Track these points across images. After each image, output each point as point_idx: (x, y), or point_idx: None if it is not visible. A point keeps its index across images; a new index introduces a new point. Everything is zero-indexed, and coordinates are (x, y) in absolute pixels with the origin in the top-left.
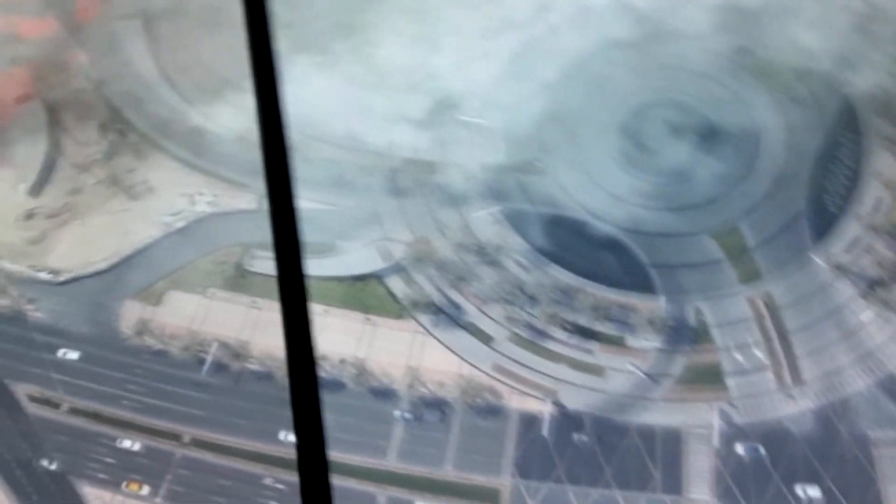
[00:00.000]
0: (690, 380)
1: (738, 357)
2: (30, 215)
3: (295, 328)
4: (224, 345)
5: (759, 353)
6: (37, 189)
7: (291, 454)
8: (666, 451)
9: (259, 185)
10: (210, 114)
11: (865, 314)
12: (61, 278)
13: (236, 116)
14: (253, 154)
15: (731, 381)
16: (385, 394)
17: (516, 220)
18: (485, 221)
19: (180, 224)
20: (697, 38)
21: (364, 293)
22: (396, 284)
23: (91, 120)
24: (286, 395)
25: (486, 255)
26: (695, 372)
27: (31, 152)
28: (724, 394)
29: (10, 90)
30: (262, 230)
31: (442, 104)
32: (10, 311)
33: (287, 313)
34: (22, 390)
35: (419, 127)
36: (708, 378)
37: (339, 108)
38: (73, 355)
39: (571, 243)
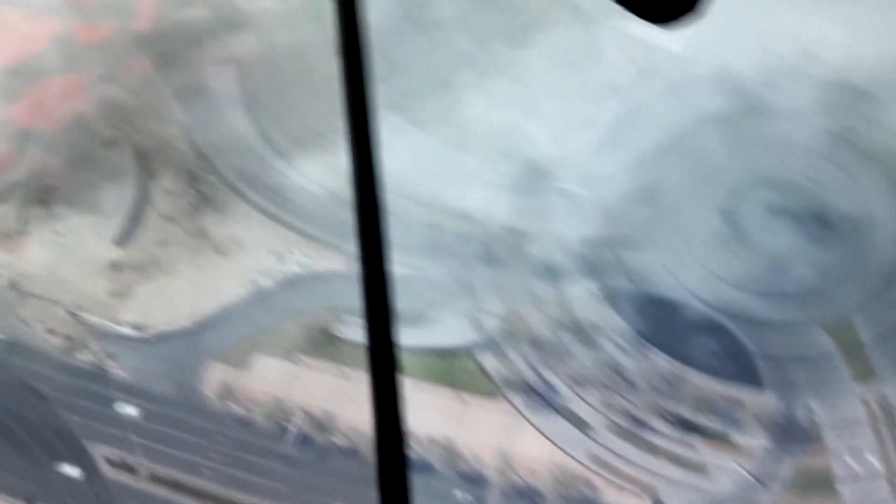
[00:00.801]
0: (801, 485)
1: (851, 462)
2: (115, 266)
3: (384, 403)
4: (309, 415)
5: (873, 459)
6: (123, 238)
7: None
8: None
9: (349, 246)
10: (301, 168)
11: None
12: (145, 334)
13: (328, 172)
14: (344, 213)
15: (843, 489)
16: (474, 479)
17: (614, 298)
18: (581, 297)
19: (268, 283)
20: (803, 114)
21: (454, 368)
22: (488, 360)
23: (180, 168)
24: (372, 473)
25: (583, 333)
26: (805, 476)
27: (118, 199)
28: (835, 503)
29: (99, 131)
30: (352, 294)
31: (538, 170)
32: (91, 366)
33: (376, 386)
34: (99, 452)
35: (515, 193)
36: (819, 484)
37: (431, 169)
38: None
39: (672, 326)
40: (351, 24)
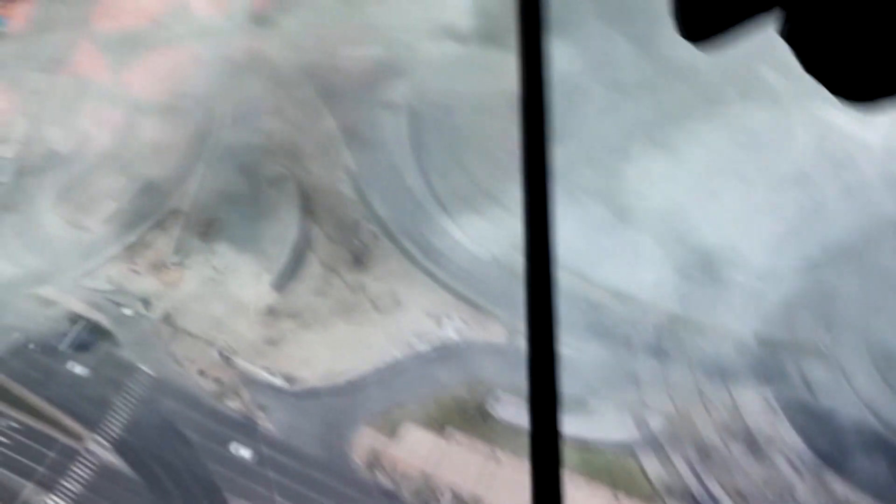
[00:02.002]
0: None
1: None
2: (271, 311)
3: (544, 496)
4: (458, 497)
5: None
6: (281, 283)
7: None
8: None
9: (510, 316)
10: (467, 229)
11: None
12: (296, 388)
13: (495, 235)
14: (508, 281)
15: None
16: None
17: (792, 410)
18: (755, 404)
19: (424, 348)
20: None
21: (614, 465)
22: (650, 462)
23: (345, 215)
24: None
25: (755, 445)
26: None
27: (279, 240)
28: None
29: (265, 166)
30: (510, 370)
31: (712, 256)
32: (240, 416)
33: (537, 477)
34: None
35: (685, 278)
36: None
37: (596, 243)
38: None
39: (855, 450)
40: (535, 83)
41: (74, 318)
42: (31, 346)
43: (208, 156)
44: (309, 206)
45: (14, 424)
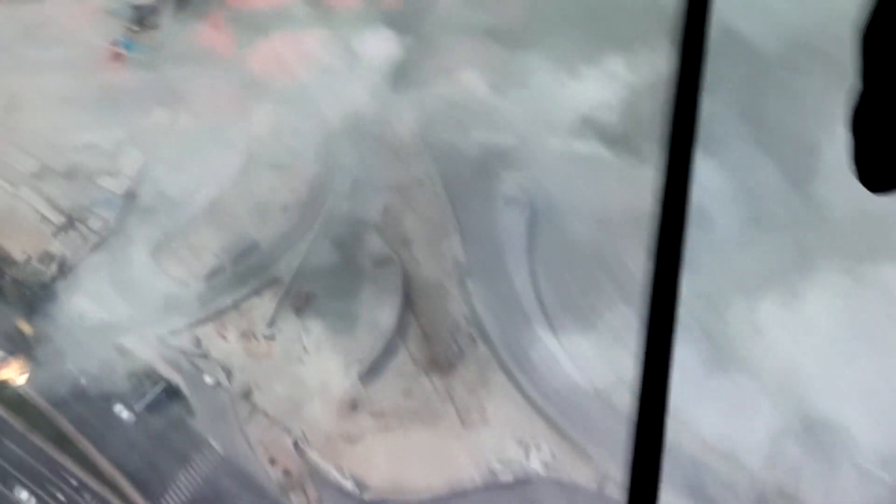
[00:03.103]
0: None
1: None
2: (354, 405)
3: None
4: None
5: None
6: (369, 376)
7: None
8: None
9: (604, 459)
10: (571, 350)
11: None
12: (366, 496)
13: (600, 363)
14: (608, 418)
15: None
16: None
17: None
18: None
19: (507, 478)
20: None
21: None
22: None
23: (445, 312)
24: None
25: None
26: None
27: (375, 326)
28: None
29: (374, 244)
30: None
31: (834, 432)
32: None
33: None
34: None
35: (800, 450)
36: None
37: (711, 394)
38: None
39: None
40: (675, 207)
41: (153, 377)
42: (104, 397)
43: (319, 225)
44: (410, 295)
45: (72, 481)
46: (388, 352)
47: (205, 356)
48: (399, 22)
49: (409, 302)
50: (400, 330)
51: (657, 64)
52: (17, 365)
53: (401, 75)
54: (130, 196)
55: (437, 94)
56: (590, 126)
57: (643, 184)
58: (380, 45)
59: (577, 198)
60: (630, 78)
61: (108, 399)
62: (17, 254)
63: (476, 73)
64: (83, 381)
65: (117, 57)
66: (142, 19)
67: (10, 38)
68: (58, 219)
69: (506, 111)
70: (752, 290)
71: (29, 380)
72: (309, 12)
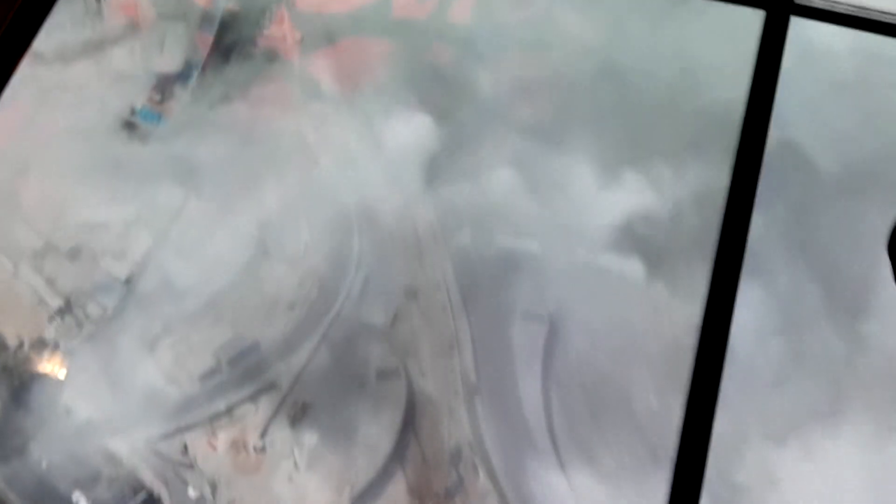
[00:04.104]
0: None
1: None
2: None
3: None
4: None
5: None
6: (359, 502)
7: None
8: None
9: None
10: (580, 491)
11: None
12: None
13: None
14: None
15: None
16: None
17: None
18: None
19: None
20: None
21: None
22: None
23: (449, 436)
24: None
25: None
26: None
27: (373, 447)
28: None
29: (378, 354)
30: None
31: None
32: None
33: None
34: None
35: None
36: None
37: None
38: None
39: None
40: (716, 348)
41: (136, 487)
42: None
43: (325, 328)
44: (413, 414)
45: None
46: (383, 476)
47: (191, 466)
48: (435, 109)
49: (410, 420)
50: (398, 451)
51: (705, 176)
52: None
53: (430, 167)
54: (133, 282)
55: (466, 191)
56: (625, 239)
57: (676, 311)
58: (411, 133)
59: (602, 320)
60: (675, 189)
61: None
62: (11, 338)
63: (511, 171)
64: (60, 484)
65: (132, 127)
66: (165, 88)
67: (26, 101)
68: (55, 302)
69: (536, 216)
70: (777, 435)
71: (8, 483)
72: (335, 91)
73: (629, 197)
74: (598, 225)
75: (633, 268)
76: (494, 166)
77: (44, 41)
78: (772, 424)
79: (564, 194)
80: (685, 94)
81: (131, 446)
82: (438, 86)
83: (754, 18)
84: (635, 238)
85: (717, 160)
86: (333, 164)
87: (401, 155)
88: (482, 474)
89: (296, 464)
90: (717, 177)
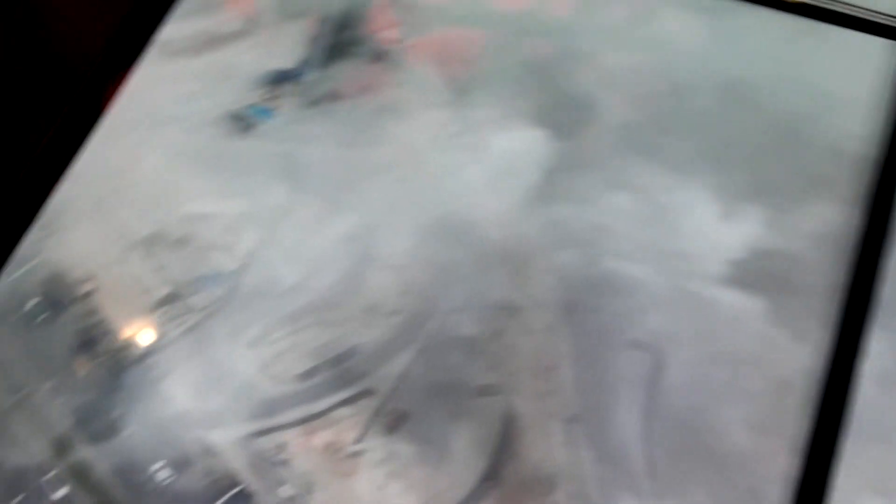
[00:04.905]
0: None
1: None
2: None
3: None
4: None
5: None
6: None
7: None
8: None
9: None
10: None
11: None
12: None
13: None
14: None
15: None
16: None
17: None
18: None
19: None
20: None
21: None
22: None
23: (543, 463)
24: None
25: None
26: None
27: (466, 465)
28: None
29: (480, 370)
30: None
31: None
32: None
33: None
34: None
35: None
36: None
37: None
38: None
39: None
40: (839, 398)
41: (230, 481)
42: (177, 495)
43: (424, 339)
44: (510, 434)
45: None
46: (476, 495)
47: (286, 465)
48: (555, 123)
49: (506, 440)
50: (492, 471)
51: (834, 215)
52: None
53: (539, 181)
54: (237, 277)
55: (575, 210)
56: (742, 275)
57: (791, 353)
58: (520, 143)
59: (710, 354)
60: (800, 226)
61: (180, 498)
62: (116, 324)
63: (625, 194)
64: (158, 472)
65: (244, 122)
66: (277, 85)
67: (145, 90)
68: (161, 291)
69: (648, 241)
70: (889, 492)
71: (102, 461)
72: (444, 94)
73: (750, 230)
74: (714, 257)
75: (749, 305)
76: (608, 187)
77: (169, 31)
78: (880, 481)
79: (680, 222)
80: (814, 126)
81: (227, 440)
82: (551, 94)
83: (892, 50)
84: (753, 274)
85: (847, 199)
86: (439, 170)
87: (509, 166)
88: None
89: (388, 474)
90: (847, 216)
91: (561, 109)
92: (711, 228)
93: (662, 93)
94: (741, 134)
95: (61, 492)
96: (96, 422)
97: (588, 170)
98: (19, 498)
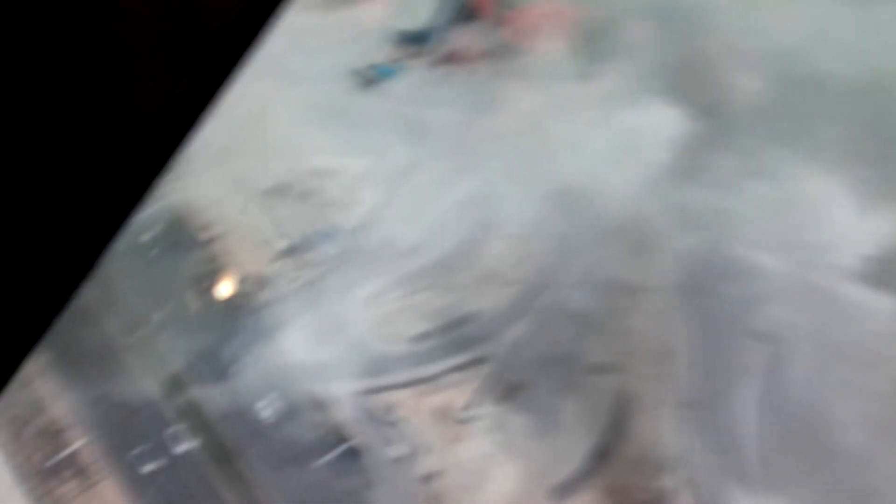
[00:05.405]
0: None
1: None
2: None
3: None
4: None
5: None
6: (554, 495)
7: None
8: None
9: None
10: None
11: None
12: None
13: None
14: None
15: None
16: None
17: None
18: None
19: None
20: None
21: None
22: None
23: (654, 447)
24: None
25: None
26: None
27: (574, 439)
28: None
29: (594, 348)
30: None
31: None
32: None
33: None
34: None
35: None
36: None
37: None
38: None
39: None
40: None
41: (339, 437)
42: (285, 443)
43: (538, 311)
44: (622, 415)
45: None
46: (582, 473)
47: (394, 426)
48: (688, 103)
49: (618, 421)
50: (601, 451)
51: None
52: None
53: (672, 163)
54: (356, 235)
55: (704, 193)
56: (877, 273)
57: None
58: (656, 123)
59: (833, 350)
60: None
61: (289, 448)
62: (234, 272)
63: (759, 182)
64: (267, 420)
65: (370, 81)
66: (406, 46)
67: (280, 44)
68: (281, 243)
69: (778, 231)
70: None
71: (213, 403)
72: (576, 69)
73: (887, 227)
74: (845, 251)
75: (878, 303)
76: (740, 171)
77: None
78: None
79: (814, 213)
80: None
81: (338, 395)
82: (686, 73)
83: None
84: (885, 272)
85: None
86: (562, 141)
87: (636, 142)
88: (686, 491)
89: (496, 442)
90: None
91: (696, 89)
92: (846, 222)
93: (804, 80)
94: (885, 127)
95: (183, 447)
96: (210, 364)
97: (720, 153)
98: (139, 450)
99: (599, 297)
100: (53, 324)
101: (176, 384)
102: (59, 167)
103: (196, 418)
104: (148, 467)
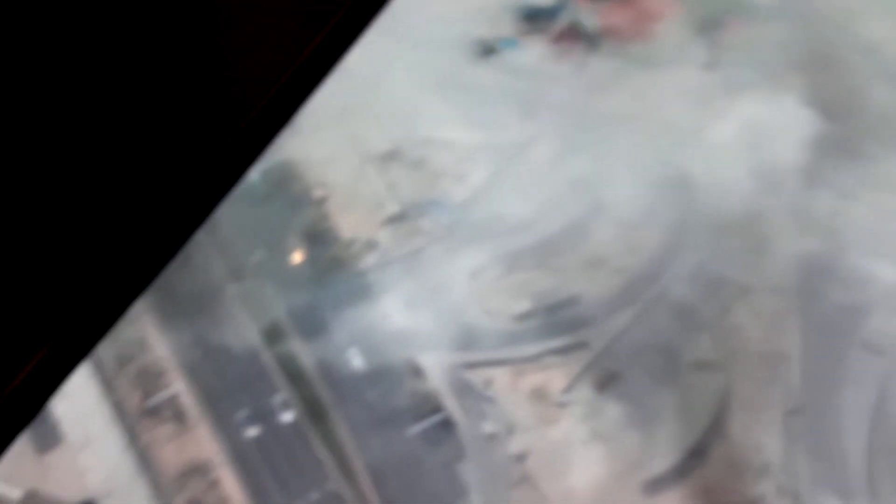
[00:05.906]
0: None
1: None
2: None
3: None
4: None
5: None
6: (649, 490)
7: None
8: None
9: None
10: None
11: None
12: None
13: None
14: None
15: None
16: None
17: None
18: None
19: None
20: None
21: None
22: None
23: (756, 451)
24: None
25: None
26: None
27: (672, 435)
28: None
29: (698, 345)
30: None
31: None
32: None
33: None
34: None
35: None
36: None
37: None
38: None
39: None
40: None
41: (435, 407)
42: (385, 409)
43: (647, 302)
44: (725, 415)
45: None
46: (680, 469)
47: (492, 402)
48: (822, 105)
49: (721, 421)
50: (701, 450)
51: None
52: None
53: (798, 164)
54: (467, 207)
55: (831, 200)
56: None
57: None
58: (786, 121)
59: None
60: None
61: (383, 411)
62: (345, 232)
63: (886, 193)
64: (362, 381)
65: (493, 54)
66: (532, 20)
67: (404, 12)
68: (393, 208)
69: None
70: None
71: (309, 357)
72: (706, 58)
73: None
74: None
75: None
76: (867, 180)
77: None
78: None
79: None
80: None
81: (437, 366)
82: (822, 74)
83: None
84: None
85: None
86: (684, 130)
87: (762, 139)
88: (784, 499)
89: (593, 429)
90: None
91: (830, 92)
92: None
93: None
94: None
95: (278, 398)
96: (310, 319)
97: (849, 159)
98: (235, 398)
99: (709, 293)
100: (165, 267)
101: (275, 334)
102: (182, 118)
103: (292, 370)
104: (241, 414)
